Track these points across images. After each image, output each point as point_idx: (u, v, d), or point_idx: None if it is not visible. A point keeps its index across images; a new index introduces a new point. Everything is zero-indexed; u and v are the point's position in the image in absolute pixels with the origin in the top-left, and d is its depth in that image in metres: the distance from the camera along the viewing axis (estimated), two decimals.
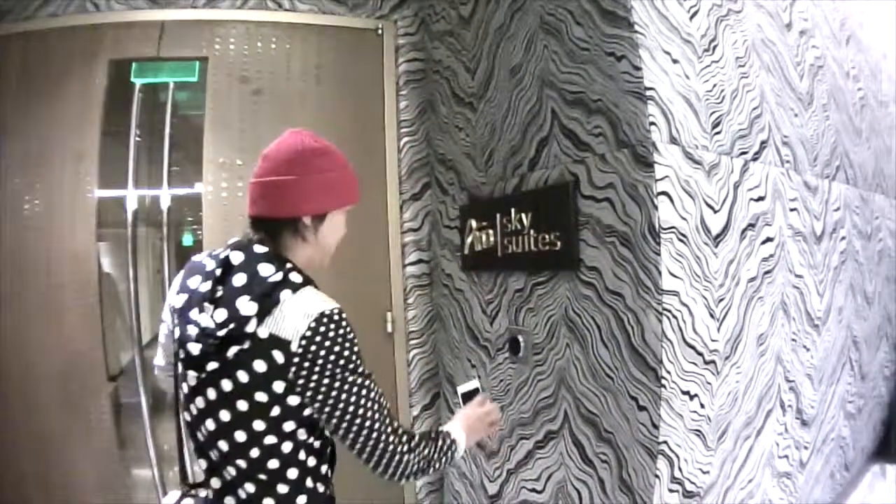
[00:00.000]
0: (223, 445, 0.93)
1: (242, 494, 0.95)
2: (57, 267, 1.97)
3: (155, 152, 2.05)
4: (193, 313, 0.92)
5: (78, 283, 1.97)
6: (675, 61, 1.33)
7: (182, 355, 0.93)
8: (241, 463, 0.92)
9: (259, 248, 0.96)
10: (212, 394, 0.91)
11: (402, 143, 2.28)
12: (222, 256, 0.96)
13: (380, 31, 2.27)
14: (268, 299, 0.90)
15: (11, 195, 2.00)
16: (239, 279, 0.92)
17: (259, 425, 0.90)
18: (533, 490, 1.63)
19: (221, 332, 0.88)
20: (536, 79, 1.55)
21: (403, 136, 2.28)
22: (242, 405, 0.90)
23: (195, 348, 0.89)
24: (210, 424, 0.93)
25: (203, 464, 0.99)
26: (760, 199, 1.51)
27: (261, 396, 0.89)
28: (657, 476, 1.26)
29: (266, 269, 0.93)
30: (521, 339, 1.62)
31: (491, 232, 1.71)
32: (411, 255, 2.28)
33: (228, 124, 2.10)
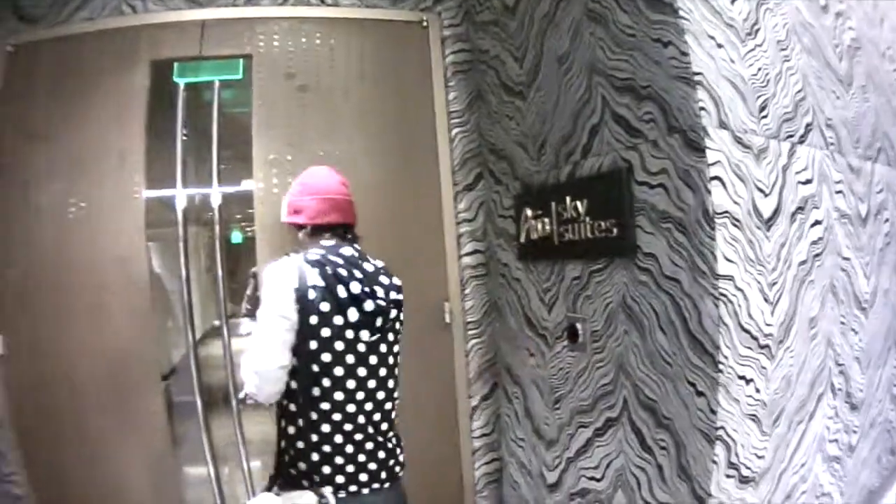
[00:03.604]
0: (390, 383, 1.33)
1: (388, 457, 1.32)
2: (104, 268, 1.99)
3: (202, 151, 2.06)
4: (372, 291, 1.29)
5: (127, 283, 1.99)
6: (719, 46, 1.33)
7: (378, 323, 1.28)
8: (391, 404, 1.34)
9: (356, 245, 1.38)
10: (383, 347, 1.31)
11: (454, 134, 2.27)
12: (352, 253, 1.33)
13: (425, 24, 2.26)
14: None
15: (54, 198, 2.02)
16: (369, 266, 1.34)
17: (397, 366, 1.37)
18: (592, 478, 1.64)
19: (400, 297, 1.35)
20: (585, 66, 1.56)
21: (454, 128, 2.27)
22: (396, 349, 1.36)
23: (392, 313, 1.32)
24: (382, 371, 1.31)
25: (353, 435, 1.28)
26: (808, 182, 1.50)
27: (397, 346, 1.37)
28: (714, 462, 1.26)
29: (373, 258, 1.37)
30: (579, 326, 1.62)
31: (546, 220, 1.72)
32: (467, 245, 2.28)
33: (276, 121, 2.10)
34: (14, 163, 2.05)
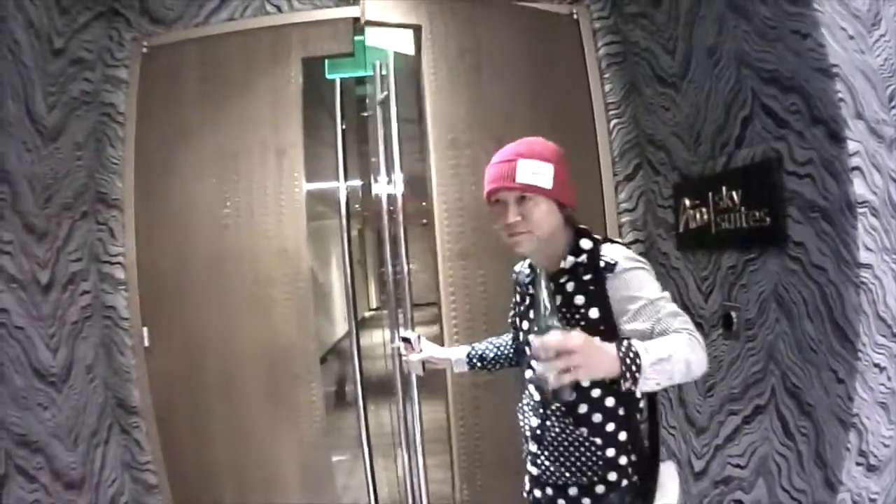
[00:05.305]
0: None
1: None
2: (264, 261, 2.03)
3: (364, 142, 2.05)
4: None
5: (287, 274, 2.03)
6: (850, 37, 1.33)
7: None
8: None
9: None
10: None
11: (612, 126, 2.27)
12: None
13: (575, 16, 2.27)
14: None
15: (207, 195, 2.07)
16: None
17: None
18: (737, 466, 1.67)
19: None
20: (733, 58, 1.58)
21: (612, 119, 2.27)
22: None
23: None
24: None
25: None
26: None
27: None
28: (848, 449, 1.28)
29: None
30: (733, 315, 1.65)
31: (704, 210, 1.75)
32: (628, 235, 2.28)
33: (455, 98, 2.07)
34: (167, 159, 2.10)
